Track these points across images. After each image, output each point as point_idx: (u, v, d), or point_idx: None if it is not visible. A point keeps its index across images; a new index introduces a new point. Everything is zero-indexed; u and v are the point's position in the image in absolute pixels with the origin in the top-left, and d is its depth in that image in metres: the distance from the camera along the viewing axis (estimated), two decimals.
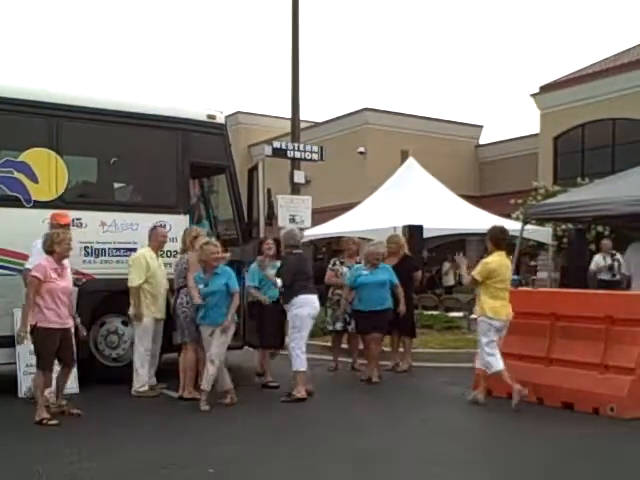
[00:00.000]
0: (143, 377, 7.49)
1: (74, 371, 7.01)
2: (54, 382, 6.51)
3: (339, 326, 9.27)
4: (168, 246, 8.08)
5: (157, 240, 7.77)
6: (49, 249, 6.37)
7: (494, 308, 6.84)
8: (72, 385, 7.16)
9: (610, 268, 12.23)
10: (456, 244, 22.42)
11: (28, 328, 6.20)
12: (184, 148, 8.60)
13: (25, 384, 7.32)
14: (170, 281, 7.73)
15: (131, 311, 7.56)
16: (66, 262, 6.61)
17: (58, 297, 6.27)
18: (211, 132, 8.86)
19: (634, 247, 10.87)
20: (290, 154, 11.80)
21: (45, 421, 6.14)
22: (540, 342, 7.18)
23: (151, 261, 7.60)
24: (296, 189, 12.48)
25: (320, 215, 16.76)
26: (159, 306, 7.64)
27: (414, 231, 12.10)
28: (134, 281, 7.51)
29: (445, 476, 4.88)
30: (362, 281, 8.37)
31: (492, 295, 6.86)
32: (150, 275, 7.55)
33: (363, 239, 14.53)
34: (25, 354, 7.35)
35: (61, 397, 6.60)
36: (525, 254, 18.12)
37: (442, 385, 8.05)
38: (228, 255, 7.81)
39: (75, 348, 6.66)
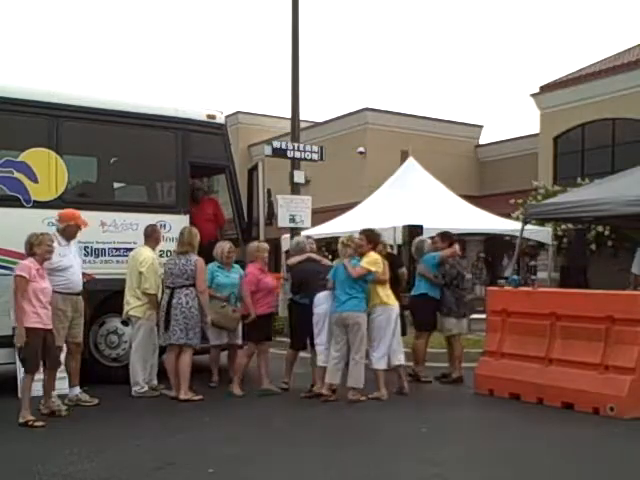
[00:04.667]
0: (144, 377, 7.50)
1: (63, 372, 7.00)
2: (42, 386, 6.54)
3: None
4: (168, 246, 8.09)
5: (158, 240, 7.78)
6: (29, 252, 6.42)
7: None
8: (62, 386, 7.08)
9: None
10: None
11: (23, 331, 6.16)
12: (184, 148, 8.61)
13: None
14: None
15: (140, 315, 7.47)
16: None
17: (38, 298, 6.26)
18: (211, 132, 8.88)
19: None
20: (290, 154, 11.79)
21: (30, 422, 6.13)
22: (540, 342, 7.19)
23: (156, 263, 7.59)
24: (296, 189, 12.47)
25: (320, 215, 16.74)
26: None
27: (414, 231, 12.09)
28: (152, 288, 7.43)
29: (445, 476, 4.88)
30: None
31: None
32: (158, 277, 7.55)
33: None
34: None
35: (49, 400, 6.57)
36: (525, 254, 18.10)
37: (442, 385, 8.04)
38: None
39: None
